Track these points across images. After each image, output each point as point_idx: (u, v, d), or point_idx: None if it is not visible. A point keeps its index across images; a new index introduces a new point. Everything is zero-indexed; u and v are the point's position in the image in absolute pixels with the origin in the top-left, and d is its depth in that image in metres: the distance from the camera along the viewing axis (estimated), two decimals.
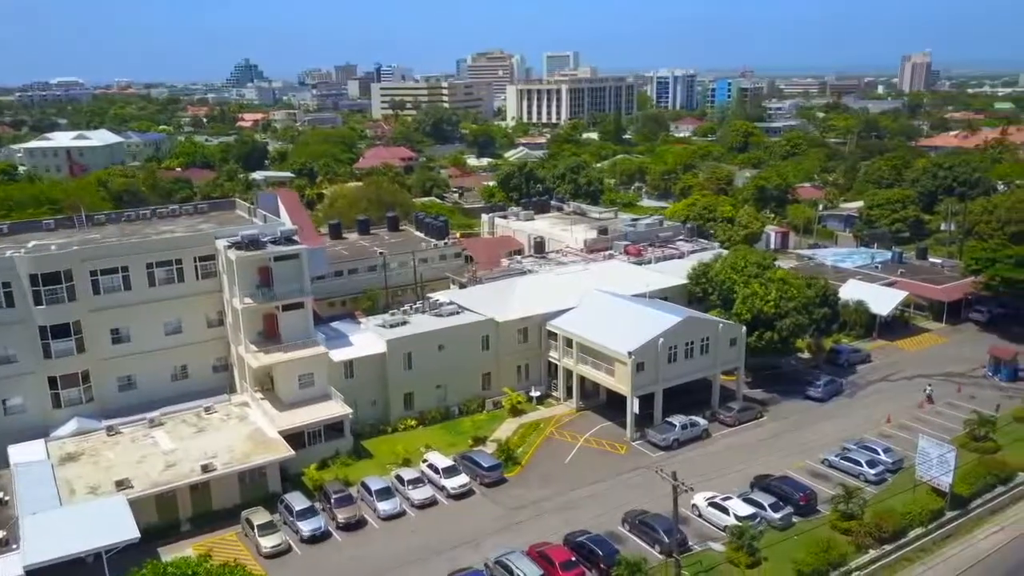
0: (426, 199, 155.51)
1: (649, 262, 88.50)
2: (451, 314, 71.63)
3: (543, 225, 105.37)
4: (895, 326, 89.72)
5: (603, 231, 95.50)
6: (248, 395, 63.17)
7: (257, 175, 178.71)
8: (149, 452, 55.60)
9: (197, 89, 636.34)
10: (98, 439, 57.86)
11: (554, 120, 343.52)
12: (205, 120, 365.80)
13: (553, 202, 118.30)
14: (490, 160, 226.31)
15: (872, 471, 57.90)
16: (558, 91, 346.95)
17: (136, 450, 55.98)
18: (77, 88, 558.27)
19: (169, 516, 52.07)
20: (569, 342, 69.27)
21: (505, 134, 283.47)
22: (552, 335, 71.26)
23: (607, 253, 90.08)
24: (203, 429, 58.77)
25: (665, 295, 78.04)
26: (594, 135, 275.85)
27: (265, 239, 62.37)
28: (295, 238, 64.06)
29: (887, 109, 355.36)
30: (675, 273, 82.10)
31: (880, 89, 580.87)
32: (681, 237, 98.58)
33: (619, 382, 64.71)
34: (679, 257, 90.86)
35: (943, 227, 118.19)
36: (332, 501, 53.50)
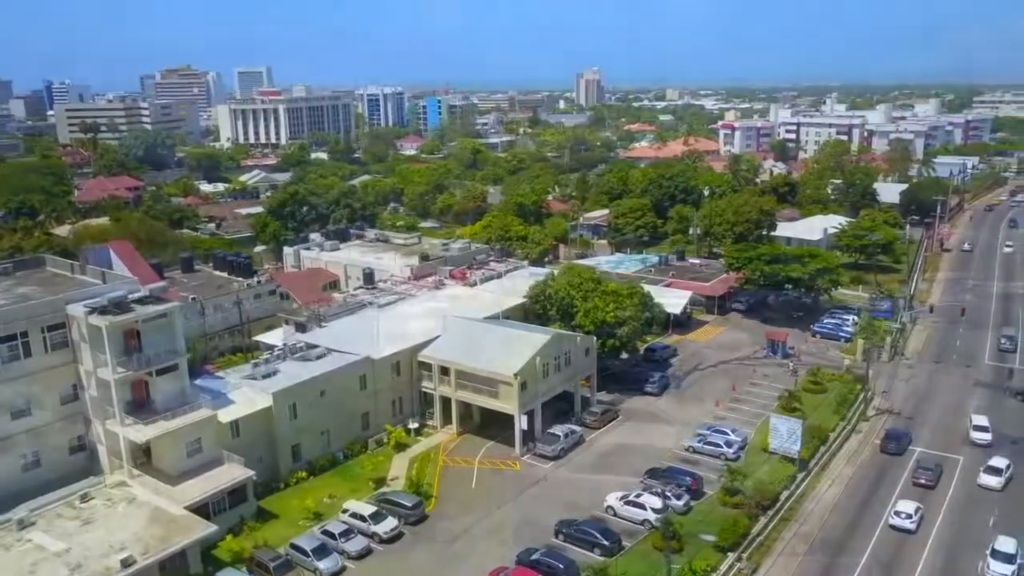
0: (180, 232, 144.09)
1: (475, 284, 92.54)
2: (319, 357, 69.81)
3: (354, 254, 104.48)
4: (681, 321, 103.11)
5: (425, 257, 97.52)
6: (125, 473, 56.64)
7: None
8: (38, 557, 48.02)
9: None
10: None
11: (274, 140, 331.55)
12: None
13: (353, 230, 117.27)
14: (226, 185, 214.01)
15: (731, 450, 67.64)
16: (275, 110, 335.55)
17: (18, 558, 47.99)
18: None
19: None
20: (445, 370, 71.08)
21: (230, 157, 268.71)
22: (425, 365, 72.50)
23: (435, 279, 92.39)
24: (89, 520, 51.83)
25: (507, 315, 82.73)
26: (323, 155, 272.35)
27: (130, 300, 56.41)
28: (163, 296, 58.63)
29: (580, 123, 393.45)
30: (511, 293, 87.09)
31: (561, 104, 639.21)
32: (492, 258, 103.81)
33: (505, 403, 68.08)
34: (498, 277, 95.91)
35: (691, 231, 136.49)
36: (271, 570, 50.67)
